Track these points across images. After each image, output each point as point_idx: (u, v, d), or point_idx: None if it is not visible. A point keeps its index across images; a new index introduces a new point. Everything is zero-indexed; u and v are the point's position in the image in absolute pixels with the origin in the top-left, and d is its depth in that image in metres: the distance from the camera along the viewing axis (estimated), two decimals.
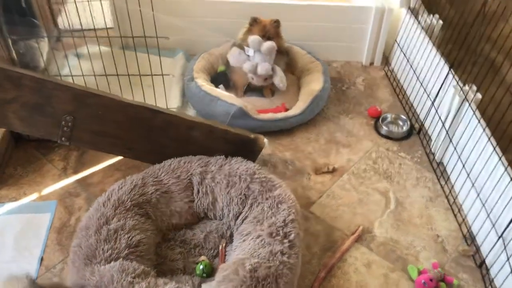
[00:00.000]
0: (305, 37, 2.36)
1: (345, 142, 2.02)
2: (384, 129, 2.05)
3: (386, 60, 2.43)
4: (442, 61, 1.90)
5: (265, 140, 1.70)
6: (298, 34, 2.34)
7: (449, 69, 1.83)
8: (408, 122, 2.07)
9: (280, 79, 2.06)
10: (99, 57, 1.97)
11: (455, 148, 1.77)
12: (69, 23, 2.17)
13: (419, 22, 2.13)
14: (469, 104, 1.67)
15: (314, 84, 2.12)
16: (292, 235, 1.42)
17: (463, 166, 1.70)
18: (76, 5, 1.81)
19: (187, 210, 1.61)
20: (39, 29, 2.23)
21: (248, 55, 2.07)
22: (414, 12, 2.21)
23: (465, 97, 1.69)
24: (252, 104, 2.10)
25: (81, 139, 1.64)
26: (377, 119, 2.11)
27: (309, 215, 1.73)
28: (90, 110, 1.56)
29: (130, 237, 1.44)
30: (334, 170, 1.89)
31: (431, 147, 1.95)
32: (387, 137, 2.04)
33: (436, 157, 1.90)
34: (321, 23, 2.32)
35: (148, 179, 1.60)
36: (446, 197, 1.79)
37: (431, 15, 2.16)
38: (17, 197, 1.76)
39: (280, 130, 2.04)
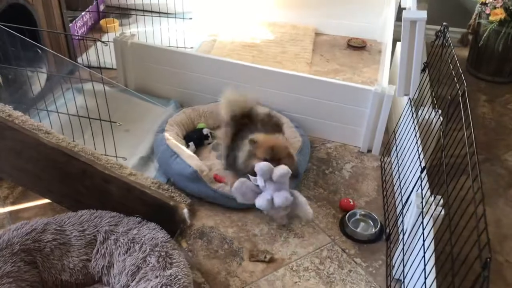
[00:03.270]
0: (300, 110, 2.19)
1: (299, 231, 1.78)
2: (348, 227, 1.78)
3: (388, 150, 2.17)
4: (419, 161, 1.64)
5: (185, 210, 1.54)
6: (294, 105, 2.19)
7: (421, 173, 1.56)
8: (379, 224, 1.79)
9: (304, 210, 1.71)
10: (99, 96, 1.92)
11: (403, 267, 1.47)
12: (88, 60, 2.46)
13: (413, 115, 1.88)
14: (422, 219, 1.39)
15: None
16: None
17: None
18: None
19: (80, 269, 1.48)
20: (41, 59, 2.32)
21: (257, 185, 1.71)
22: (414, 103, 1.96)
23: (422, 209, 1.41)
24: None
25: (3, 171, 1.60)
26: (346, 213, 1.85)
27: None
28: (8, 143, 1.52)
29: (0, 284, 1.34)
30: (271, 261, 1.66)
31: (392, 259, 1.65)
32: (350, 236, 1.77)
33: (393, 272, 1.60)
34: (318, 98, 2.14)
35: (51, 225, 1.50)
36: None
37: (433, 110, 1.91)
38: None
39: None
